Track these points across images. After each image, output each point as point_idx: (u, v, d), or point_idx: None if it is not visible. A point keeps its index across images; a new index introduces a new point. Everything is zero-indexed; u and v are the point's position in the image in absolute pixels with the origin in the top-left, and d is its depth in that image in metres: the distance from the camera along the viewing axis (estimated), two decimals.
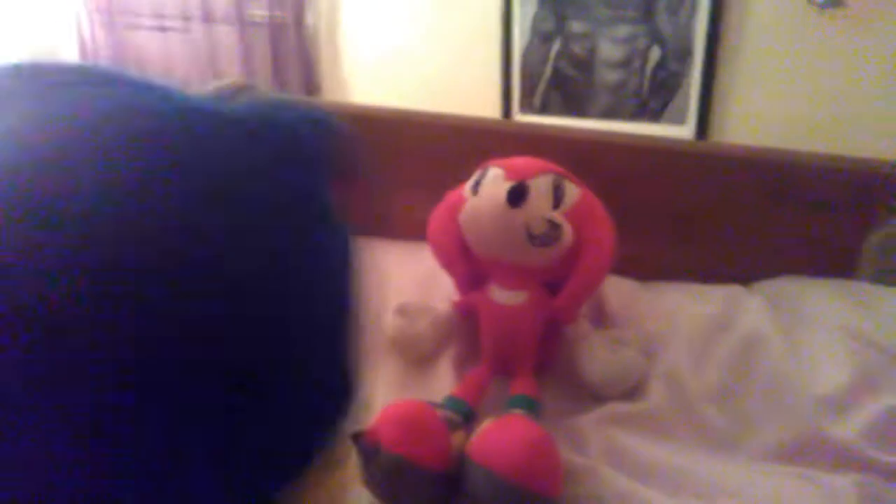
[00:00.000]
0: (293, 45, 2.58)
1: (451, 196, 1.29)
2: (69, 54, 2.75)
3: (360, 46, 2.54)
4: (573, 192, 1.23)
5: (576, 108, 2.41)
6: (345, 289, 0.38)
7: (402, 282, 1.41)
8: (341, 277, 0.38)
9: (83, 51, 2.76)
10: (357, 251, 0.40)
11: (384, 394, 1.24)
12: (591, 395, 1.23)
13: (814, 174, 1.39)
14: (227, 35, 2.67)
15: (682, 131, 2.29)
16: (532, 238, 1.16)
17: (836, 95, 2.02)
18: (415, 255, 1.36)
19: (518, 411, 1.13)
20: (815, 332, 1.27)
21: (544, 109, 2.44)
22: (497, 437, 1.02)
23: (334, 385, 0.38)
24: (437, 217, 1.30)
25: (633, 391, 1.22)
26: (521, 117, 2.48)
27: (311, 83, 2.61)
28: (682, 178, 1.42)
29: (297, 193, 0.35)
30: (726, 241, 1.44)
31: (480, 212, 1.19)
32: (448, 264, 1.28)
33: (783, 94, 2.09)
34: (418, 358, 1.29)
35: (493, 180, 1.23)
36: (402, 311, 1.29)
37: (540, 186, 1.20)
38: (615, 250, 1.23)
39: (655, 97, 2.33)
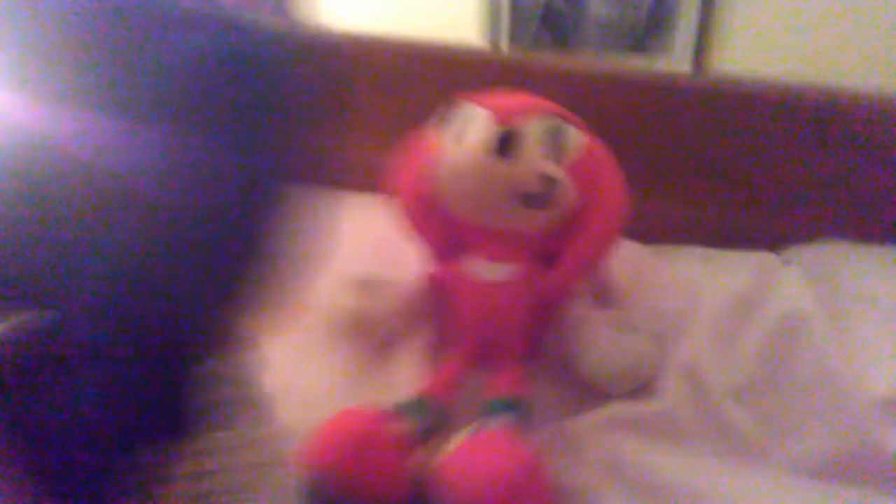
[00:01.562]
0: None
1: (420, 142, 0.96)
2: None
3: None
4: (577, 139, 0.90)
5: (567, 43, 2.07)
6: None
7: (357, 246, 1.09)
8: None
9: None
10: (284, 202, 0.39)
11: (333, 392, 0.95)
12: (591, 392, 0.93)
13: (861, 114, 1.06)
14: None
15: (678, 66, 1.97)
16: (524, 198, 0.85)
17: (859, 26, 1.68)
18: (374, 211, 1.03)
19: (500, 420, 0.83)
20: (866, 313, 0.97)
21: (534, 46, 2.09)
22: (470, 464, 0.73)
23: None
24: (402, 169, 0.98)
25: (642, 388, 0.93)
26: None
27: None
28: (699, 120, 1.10)
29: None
30: (753, 197, 1.12)
31: (459, 164, 0.87)
32: (417, 228, 0.96)
33: (793, 24, 1.75)
34: (377, 345, 0.98)
35: (476, 123, 0.90)
36: (358, 285, 0.97)
37: (535, 132, 0.87)
38: (626, 214, 0.91)
39: (651, 31, 1.99)
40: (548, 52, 2.05)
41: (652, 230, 1.14)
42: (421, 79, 1.14)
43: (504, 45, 2.09)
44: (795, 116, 1.07)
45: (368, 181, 1.02)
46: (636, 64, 2.00)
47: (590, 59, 1.14)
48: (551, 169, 0.86)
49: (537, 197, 0.85)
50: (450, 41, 1.19)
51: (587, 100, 1.10)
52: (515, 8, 2.06)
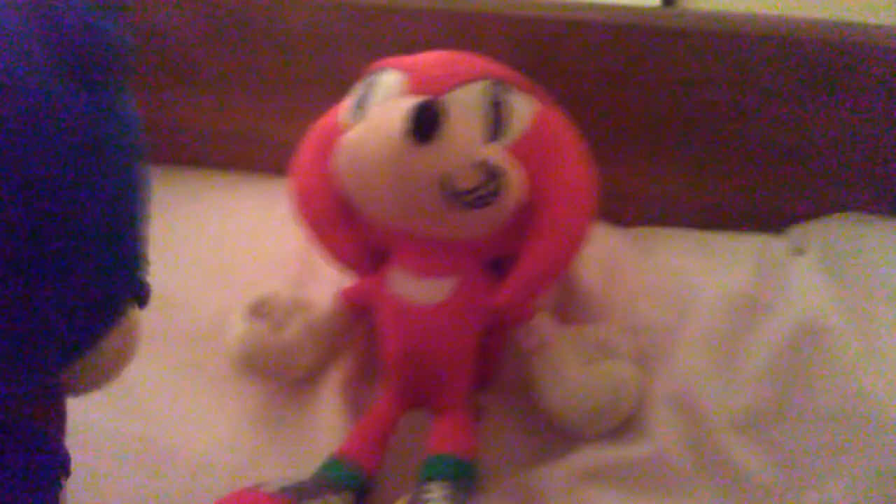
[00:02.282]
0: None
1: (324, 122, 0.71)
2: None
3: None
4: (523, 108, 0.66)
5: None
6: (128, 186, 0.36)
7: (265, 251, 0.84)
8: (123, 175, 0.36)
9: None
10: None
11: (238, 435, 0.71)
12: (559, 435, 0.71)
13: (881, 59, 0.81)
14: None
15: None
16: (455, 195, 0.60)
17: None
18: (281, 201, 0.77)
19: (437, 489, 0.61)
20: None
21: None
22: None
23: (117, 280, 0.37)
24: (303, 159, 0.72)
25: (624, 425, 0.70)
26: None
27: None
28: (681, 68, 0.84)
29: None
30: (752, 164, 0.87)
31: (366, 151, 0.62)
32: (321, 237, 0.71)
33: None
34: (286, 381, 0.75)
35: (389, 94, 0.65)
36: (260, 309, 0.73)
37: (467, 103, 0.63)
38: (594, 201, 0.67)
39: None
40: None
41: (630, 209, 0.90)
42: (346, 39, 0.88)
43: None
44: (799, 63, 0.81)
45: (280, 162, 0.77)
46: None
47: (548, 4, 0.87)
48: (490, 153, 0.62)
49: (471, 192, 0.60)
50: None
51: (539, 51, 0.85)
52: None
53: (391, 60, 0.68)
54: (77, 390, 0.48)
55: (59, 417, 0.47)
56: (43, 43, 0.31)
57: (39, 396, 0.42)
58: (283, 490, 0.60)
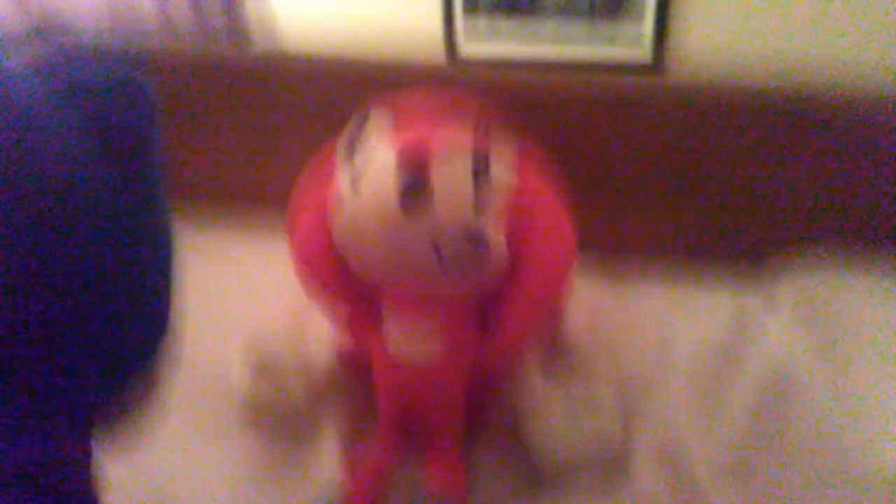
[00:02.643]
0: None
1: (318, 186, 0.75)
2: None
3: None
4: (505, 176, 0.69)
5: (524, 32, 1.87)
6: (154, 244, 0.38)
7: (269, 304, 0.87)
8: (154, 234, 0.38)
9: None
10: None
11: (241, 482, 0.74)
12: (546, 482, 0.73)
13: (835, 114, 0.85)
14: None
15: (638, 53, 1.78)
16: (444, 260, 0.64)
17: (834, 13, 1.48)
18: (285, 259, 0.80)
19: None
20: (871, 359, 0.76)
21: (490, 34, 1.89)
22: None
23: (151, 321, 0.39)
24: (302, 225, 0.76)
25: (610, 472, 0.73)
26: (465, 45, 1.93)
27: (232, 12, 2.02)
28: (665, 125, 0.89)
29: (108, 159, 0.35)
30: (725, 205, 0.92)
31: (358, 220, 0.66)
32: (322, 299, 0.75)
33: (759, 9, 1.55)
34: (288, 432, 0.77)
35: (377, 165, 0.68)
36: (262, 365, 0.77)
37: (451, 175, 0.66)
38: (572, 261, 0.71)
39: (608, 17, 1.80)
40: (503, 41, 1.85)
41: (617, 248, 0.94)
42: (356, 102, 0.92)
43: (459, 42, 1.90)
44: (767, 119, 0.87)
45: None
46: (595, 51, 1.80)
47: (533, 60, 0.92)
48: (473, 220, 0.66)
49: (459, 257, 0.64)
50: (393, 59, 0.96)
51: (535, 115, 0.89)
52: None
53: (377, 110, 0.70)
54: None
55: (87, 457, 0.49)
56: (74, 115, 0.34)
57: (70, 438, 0.44)
58: None
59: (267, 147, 1.01)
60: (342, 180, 0.72)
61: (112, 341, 0.37)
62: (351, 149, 0.71)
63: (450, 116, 0.72)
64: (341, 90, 0.97)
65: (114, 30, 1.38)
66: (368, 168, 0.69)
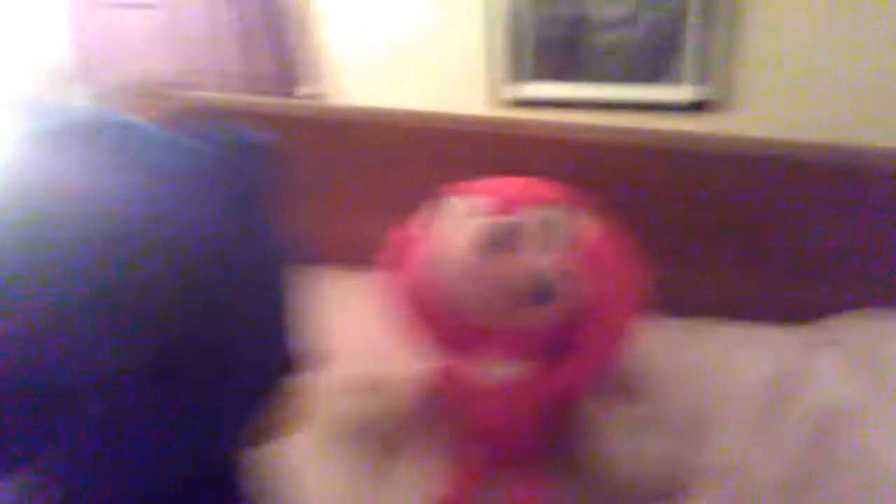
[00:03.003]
0: (262, 17, 2.13)
1: (408, 233, 0.85)
2: (56, 36, 2.30)
3: (333, 17, 2.09)
4: (582, 226, 0.79)
5: (568, 72, 1.98)
6: (279, 286, 0.43)
7: (362, 335, 0.97)
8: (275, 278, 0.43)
9: (71, 31, 2.31)
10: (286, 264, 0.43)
11: (341, 493, 0.83)
12: (614, 496, 0.81)
13: (886, 173, 0.93)
14: (192, 9, 2.21)
15: (683, 93, 1.88)
16: (526, 296, 0.73)
17: (870, 52, 1.57)
18: (371, 293, 0.92)
19: None
20: None
21: (534, 76, 2.00)
22: None
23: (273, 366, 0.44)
24: (393, 263, 0.86)
25: (676, 490, 0.81)
26: (508, 86, 2.05)
27: (283, 59, 2.17)
28: (720, 184, 0.97)
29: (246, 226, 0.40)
30: (782, 265, 1.00)
31: (451, 264, 0.76)
32: (413, 329, 0.85)
33: (801, 47, 1.64)
34: (383, 448, 0.87)
35: (469, 217, 0.79)
36: (361, 384, 0.87)
37: (535, 224, 0.76)
38: (641, 302, 0.80)
39: (652, 57, 1.89)
40: (547, 81, 1.96)
41: (677, 302, 1.02)
42: (425, 151, 1.03)
43: (501, 82, 2.01)
44: (817, 178, 0.95)
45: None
46: (640, 91, 1.90)
47: (592, 123, 1.01)
48: (554, 263, 0.75)
49: (541, 294, 0.74)
50: (446, 113, 1.07)
51: (599, 168, 0.98)
52: (511, 39, 1.98)
53: (477, 185, 0.82)
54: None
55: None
56: (212, 184, 0.39)
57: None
58: None
59: (329, 194, 1.11)
60: (437, 229, 0.82)
61: (248, 372, 0.44)
62: (441, 204, 0.81)
63: (531, 182, 0.83)
64: (393, 140, 1.06)
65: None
66: (462, 217, 0.79)
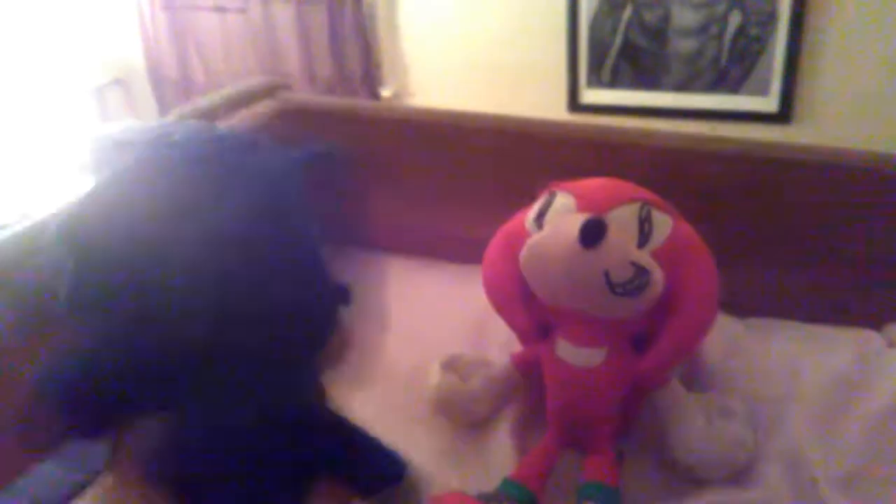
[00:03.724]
0: (351, 22, 2.25)
1: (509, 226, 0.94)
2: (129, 37, 2.47)
3: (418, 22, 2.20)
4: (664, 223, 0.87)
5: (648, 80, 2.04)
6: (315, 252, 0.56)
7: (452, 320, 1.07)
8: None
9: (144, 34, 2.48)
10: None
11: (428, 463, 0.92)
12: (686, 478, 0.89)
13: None
14: (284, 14, 2.34)
15: (764, 103, 1.90)
16: (613, 286, 0.81)
17: None
18: (470, 282, 1.02)
19: None
20: None
21: (614, 83, 2.08)
22: None
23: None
24: (491, 252, 0.96)
25: (741, 474, 0.87)
26: (587, 92, 2.12)
27: (369, 60, 2.29)
28: (793, 192, 1.02)
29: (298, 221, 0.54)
30: (852, 271, 1.04)
31: (546, 252, 0.84)
32: (504, 312, 0.95)
33: (882, 59, 1.66)
34: (470, 422, 0.97)
35: (562, 211, 0.87)
36: (452, 364, 0.96)
37: (622, 220, 0.85)
38: (718, 296, 0.87)
39: (735, 66, 1.95)
40: (627, 88, 2.01)
41: (748, 304, 1.09)
42: (508, 153, 1.12)
43: (582, 87, 2.08)
44: (886, 186, 1.00)
45: (471, 253, 1.01)
46: (720, 100, 1.93)
47: (673, 131, 1.08)
48: (637, 256, 0.83)
49: (627, 285, 0.81)
50: (532, 118, 1.16)
51: (676, 172, 1.05)
52: (593, 45, 2.04)
53: (564, 184, 0.91)
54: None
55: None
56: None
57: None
58: (478, 496, 0.81)
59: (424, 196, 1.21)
60: (529, 219, 0.91)
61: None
62: (538, 202, 0.90)
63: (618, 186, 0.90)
64: (467, 140, 1.15)
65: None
66: (552, 208, 0.88)
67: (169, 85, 2.58)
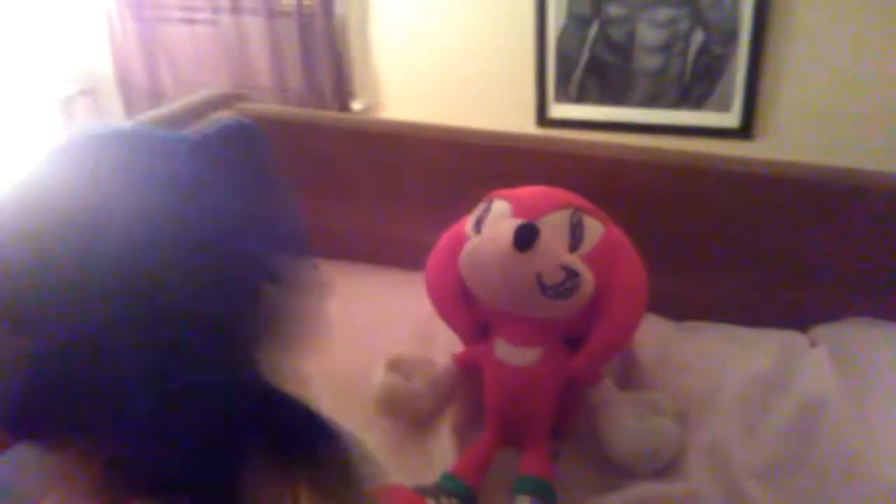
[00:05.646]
0: (322, 35, 2.34)
1: (451, 232, 1.02)
2: (98, 48, 2.53)
3: (390, 35, 2.28)
4: (595, 229, 0.95)
5: (614, 95, 2.14)
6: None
7: (398, 323, 1.15)
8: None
9: (113, 45, 2.55)
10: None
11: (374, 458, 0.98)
12: (617, 472, 0.96)
13: (888, 196, 1.06)
14: (255, 26, 2.42)
15: (727, 119, 2.01)
16: (545, 288, 0.89)
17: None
18: (415, 288, 1.08)
19: (525, 499, 0.87)
20: (892, 399, 0.96)
21: (581, 98, 2.17)
22: None
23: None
24: (434, 257, 1.04)
25: (668, 467, 0.95)
26: (555, 106, 2.21)
27: (340, 73, 2.37)
28: (724, 201, 1.12)
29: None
30: (778, 276, 1.13)
31: (482, 255, 0.92)
32: (446, 314, 1.02)
33: (841, 77, 1.76)
34: (413, 419, 1.04)
35: (499, 216, 0.95)
36: (396, 364, 1.03)
37: (554, 225, 0.92)
38: (645, 299, 0.95)
39: (699, 83, 2.05)
40: (594, 103, 2.10)
41: (679, 309, 1.16)
42: (457, 164, 1.20)
43: (550, 102, 2.17)
44: (822, 198, 1.08)
45: (416, 258, 1.09)
46: (684, 116, 2.03)
47: (614, 143, 1.17)
48: (568, 260, 0.90)
49: (558, 288, 0.89)
50: (480, 130, 1.24)
51: (614, 181, 1.13)
52: (560, 61, 2.13)
53: (502, 192, 0.99)
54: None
55: None
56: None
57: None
58: (415, 489, 0.88)
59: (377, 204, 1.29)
60: (469, 225, 0.99)
61: None
62: (479, 225, 0.98)
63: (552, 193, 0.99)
64: (441, 154, 1.23)
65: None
66: (490, 214, 0.96)
67: (138, 96, 2.63)
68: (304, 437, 0.47)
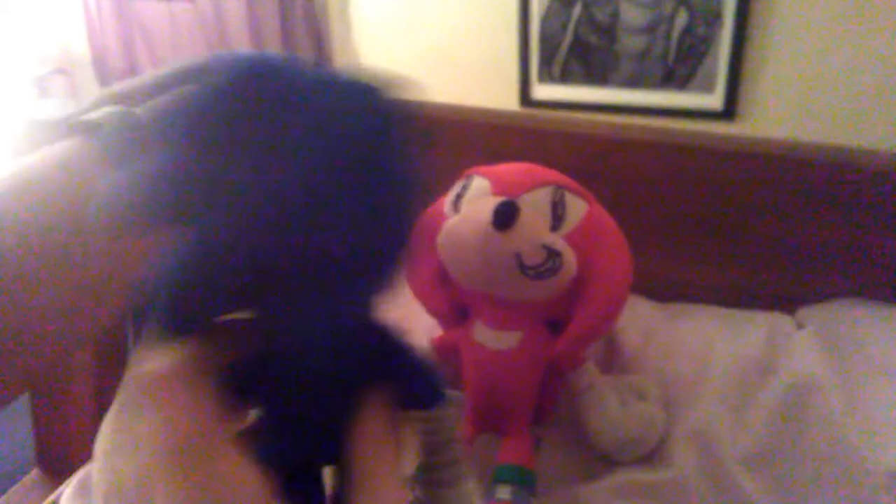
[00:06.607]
0: (302, 14, 2.27)
1: (429, 211, 0.97)
2: (73, 27, 2.45)
3: (371, 16, 2.23)
4: (577, 207, 0.90)
5: (598, 76, 2.11)
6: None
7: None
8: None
9: (89, 23, 2.47)
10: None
11: None
12: (601, 459, 0.92)
13: (875, 175, 1.02)
14: (234, 4, 2.35)
15: (710, 100, 1.98)
16: (525, 269, 0.84)
17: (890, 64, 1.65)
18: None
19: (506, 489, 0.83)
20: (881, 380, 0.93)
21: (564, 78, 2.13)
22: None
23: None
24: (412, 237, 0.97)
25: (652, 454, 0.91)
26: (539, 87, 2.17)
27: (321, 53, 2.30)
28: (711, 180, 1.08)
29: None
30: (766, 256, 1.09)
31: (460, 235, 0.87)
32: (424, 297, 0.97)
33: (824, 59, 1.74)
34: None
35: (477, 194, 0.90)
36: None
37: (535, 203, 0.87)
38: (630, 279, 0.90)
39: (682, 64, 2.02)
40: (577, 84, 2.06)
41: (665, 290, 1.12)
42: (438, 141, 1.15)
43: (533, 82, 2.12)
44: (808, 177, 1.04)
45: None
46: (667, 97, 2.00)
47: (602, 120, 1.13)
48: (550, 239, 0.86)
49: (536, 268, 0.84)
50: (463, 105, 1.19)
51: (600, 160, 1.09)
52: (544, 42, 2.09)
53: (481, 168, 0.94)
54: None
55: None
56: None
57: None
58: None
59: None
60: (447, 203, 0.94)
61: None
62: (457, 203, 0.93)
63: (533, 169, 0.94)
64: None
65: None
66: (468, 191, 0.91)
67: (115, 75, 2.56)
68: (424, 395, 0.44)
